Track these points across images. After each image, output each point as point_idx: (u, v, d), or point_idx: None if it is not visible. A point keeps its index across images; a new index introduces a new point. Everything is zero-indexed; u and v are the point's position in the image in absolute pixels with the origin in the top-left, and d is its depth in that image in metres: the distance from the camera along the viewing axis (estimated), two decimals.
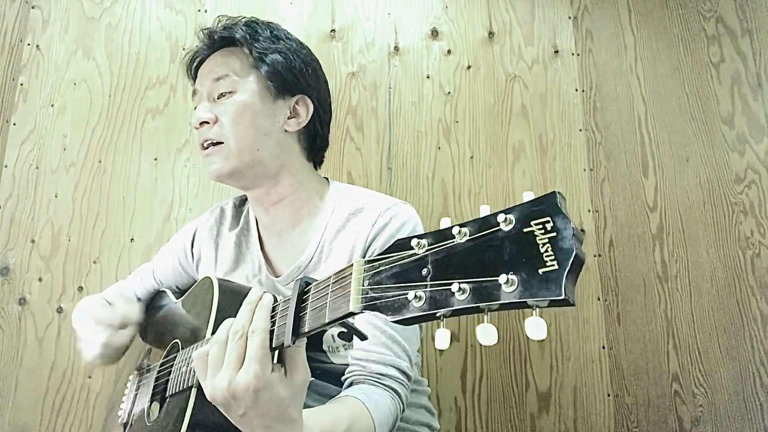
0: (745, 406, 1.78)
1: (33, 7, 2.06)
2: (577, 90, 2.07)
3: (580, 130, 2.04)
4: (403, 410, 1.22)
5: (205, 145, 1.34)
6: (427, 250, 0.62)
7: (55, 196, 1.92)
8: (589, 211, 1.97)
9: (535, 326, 0.52)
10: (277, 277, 1.38)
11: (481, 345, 1.84)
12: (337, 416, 1.04)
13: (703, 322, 1.86)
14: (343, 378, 1.24)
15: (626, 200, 1.98)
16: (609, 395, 1.83)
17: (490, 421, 1.81)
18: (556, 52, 2.11)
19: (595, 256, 1.93)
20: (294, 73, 1.38)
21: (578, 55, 2.11)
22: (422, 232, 1.32)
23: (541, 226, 0.53)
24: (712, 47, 2.08)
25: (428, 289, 0.59)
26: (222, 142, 1.32)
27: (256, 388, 0.80)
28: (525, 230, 0.54)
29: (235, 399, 0.81)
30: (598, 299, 1.90)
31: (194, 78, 1.47)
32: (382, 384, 1.19)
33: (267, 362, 0.81)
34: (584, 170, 2.00)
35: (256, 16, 1.45)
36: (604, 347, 1.86)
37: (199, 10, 2.10)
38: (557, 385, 1.83)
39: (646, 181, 1.99)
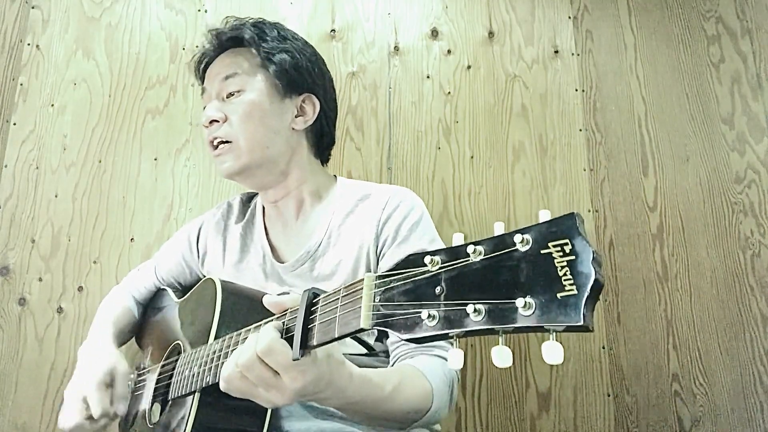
0: (745, 406, 1.78)
1: (33, 7, 2.05)
2: (577, 90, 2.07)
3: (580, 130, 2.04)
4: (458, 378, 1.22)
5: (215, 143, 1.36)
6: (440, 268, 0.61)
7: (55, 196, 1.92)
8: (589, 211, 1.97)
9: (552, 351, 0.52)
10: (282, 263, 1.39)
11: (481, 345, 1.84)
12: (385, 375, 1.04)
13: (703, 322, 1.86)
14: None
15: (626, 200, 1.98)
16: (609, 395, 1.83)
17: (490, 421, 1.81)
18: (556, 52, 2.10)
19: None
20: (301, 72, 1.40)
21: (578, 55, 2.11)
22: (429, 217, 1.34)
23: (559, 249, 0.51)
24: (712, 47, 2.08)
25: (442, 308, 0.58)
26: (231, 141, 1.33)
27: (304, 389, 0.82)
28: (542, 252, 0.53)
29: (300, 398, 0.85)
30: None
31: (202, 78, 1.48)
32: (432, 354, 1.19)
33: (294, 368, 0.81)
34: (584, 170, 2.00)
35: (252, 17, 1.47)
36: (604, 347, 1.87)
37: (199, 10, 2.09)
38: (557, 385, 1.84)
39: (646, 181, 1.99)
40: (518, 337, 1.86)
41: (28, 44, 2.03)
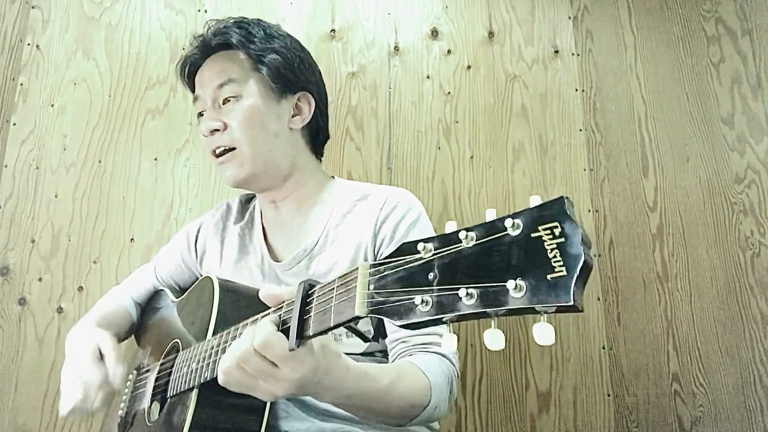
0: (745, 406, 1.78)
1: (33, 7, 2.06)
2: (577, 90, 2.07)
3: (580, 130, 2.04)
4: (458, 375, 1.22)
5: (218, 152, 1.36)
6: (433, 254, 0.61)
7: (55, 196, 1.92)
8: (589, 211, 1.97)
9: (543, 332, 0.52)
10: (279, 263, 1.39)
11: (481, 344, 1.84)
12: (382, 369, 1.04)
13: (703, 322, 1.86)
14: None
15: (626, 200, 1.98)
16: (609, 395, 1.83)
17: (490, 421, 1.81)
18: (556, 52, 2.11)
19: (595, 256, 1.93)
20: (293, 71, 1.40)
21: (578, 55, 2.11)
22: (426, 218, 1.34)
23: (549, 231, 0.52)
24: (712, 47, 2.08)
25: (435, 293, 0.59)
26: (234, 148, 1.33)
27: (303, 379, 0.83)
28: (533, 235, 0.53)
29: (298, 390, 0.85)
30: (598, 299, 1.90)
31: (190, 83, 1.48)
32: (429, 351, 1.20)
33: (292, 358, 0.82)
34: (584, 170, 2.00)
35: (251, 17, 1.46)
36: (604, 347, 1.86)
37: (199, 10, 2.10)
38: (557, 385, 1.83)
39: (646, 181, 1.99)
40: (518, 337, 1.86)
41: (28, 44, 2.03)
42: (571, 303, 0.49)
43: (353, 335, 1.27)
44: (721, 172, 1.97)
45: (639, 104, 2.06)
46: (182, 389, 1.09)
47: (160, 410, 1.20)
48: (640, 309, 1.89)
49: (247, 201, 1.60)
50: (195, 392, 1.05)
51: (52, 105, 1.99)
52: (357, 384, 0.94)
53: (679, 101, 2.04)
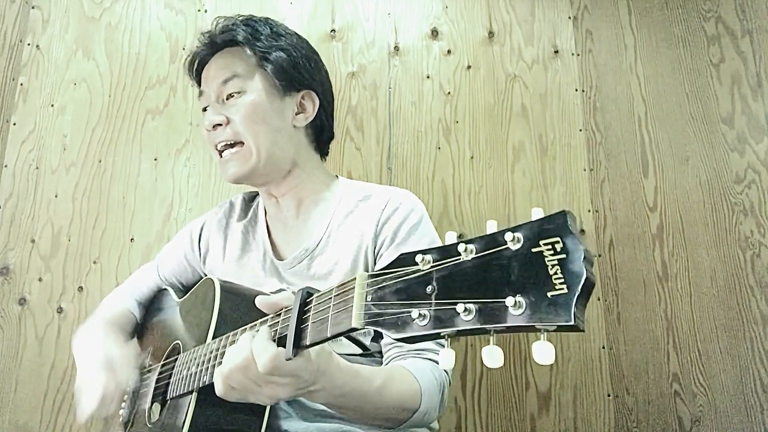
0: (745, 406, 1.78)
1: (33, 7, 2.05)
2: (577, 90, 2.07)
3: (580, 130, 2.04)
4: (450, 382, 1.22)
5: (220, 147, 1.36)
6: (431, 267, 0.60)
7: (55, 196, 1.92)
8: (589, 211, 1.97)
9: (542, 351, 0.51)
10: (281, 261, 1.40)
11: (481, 345, 1.84)
12: (374, 370, 1.04)
13: (703, 322, 1.86)
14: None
15: (626, 200, 1.98)
16: (609, 395, 1.83)
17: (490, 421, 1.81)
18: (556, 52, 2.10)
19: (595, 256, 1.93)
20: (298, 69, 1.40)
21: (578, 55, 2.11)
22: (428, 221, 1.34)
23: (550, 247, 0.51)
24: (712, 47, 2.08)
25: (432, 307, 0.58)
26: (241, 142, 1.34)
27: (296, 386, 0.85)
28: (534, 250, 0.52)
29: (294, 394, 0.87)
30: (598, 299, 1.90)
31: (197, 79, 1.48)
32: (423, 357, 1.20)
33: (290, 372, 0.82)
34: (584, 170, 2.00)
35: (249, 14, 1.46)
36: (604, 347, 1.86)
37: (199, 10, 2.10)
38: (557, 385, 1.83)
39: (646, 181, 1.99)
40: (518, 337, 1.86)
41: (28, 44, 2.03)
42: (572, 323, 0.48)
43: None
44: (721, 172, 1.96)
45: (639, 104, 2.05)
46: (182, 392, 1.09)
47: (161, 411, 1.21)
48: (640, 309, 1.89)
49: (250, 199, 1.60)
50: (194, 395, 1.05)
51: (52, 105, 1.98)
52: (348, 383, 0.94)
53: (679, 101, 2.04)
